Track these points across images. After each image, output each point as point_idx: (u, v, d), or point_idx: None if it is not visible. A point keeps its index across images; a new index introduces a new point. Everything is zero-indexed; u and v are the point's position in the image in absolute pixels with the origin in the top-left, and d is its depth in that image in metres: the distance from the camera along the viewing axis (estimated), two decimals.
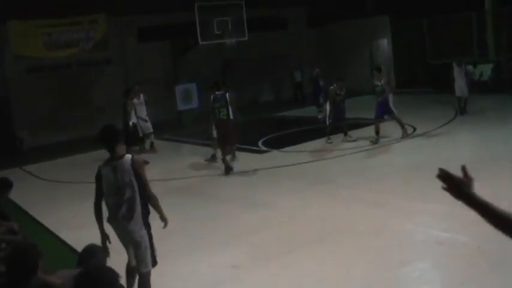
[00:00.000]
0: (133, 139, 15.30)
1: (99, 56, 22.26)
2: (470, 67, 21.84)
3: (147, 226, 6.15)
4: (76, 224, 9.98)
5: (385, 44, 27.11)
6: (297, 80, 26.06)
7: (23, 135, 20.36)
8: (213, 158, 14.33)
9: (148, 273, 6.16)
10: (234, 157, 14.24)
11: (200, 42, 20.59)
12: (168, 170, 14.63)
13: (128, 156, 6.02)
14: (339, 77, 16.33)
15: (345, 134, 15.63)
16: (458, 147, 13.52)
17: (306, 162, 13.40)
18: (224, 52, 23.60)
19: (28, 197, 12.57)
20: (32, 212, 11.40)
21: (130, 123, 15.42)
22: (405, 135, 14.87)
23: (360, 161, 13.17)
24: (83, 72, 22.30)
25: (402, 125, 14.92)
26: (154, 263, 6.23)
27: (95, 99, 22.48)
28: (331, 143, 15.20)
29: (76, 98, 21.94)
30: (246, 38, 21.45)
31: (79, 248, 8.38)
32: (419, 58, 25.78)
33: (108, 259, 5.19)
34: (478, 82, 20.17)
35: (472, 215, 8.39)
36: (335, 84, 15.62)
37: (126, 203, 5.98)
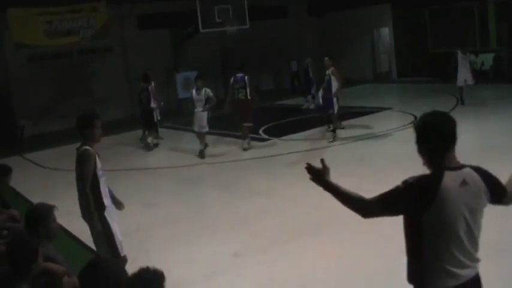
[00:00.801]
0: (152, 125, 15.78)
1: (100, 44, 22.21)
2: (472, 56, 21.81)
3: (102, 219, 5.96)
4: (76, 211, 9.96)
5: (386, 32, 27.05)
6: (293, 70, 25.98)
7: (24, 123, 20.37)
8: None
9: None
10: (249, 144, 14.20)
11: (201, 30, 20.53)
12: (169, 157, 14.67)
13: (83, 148, 5.84)
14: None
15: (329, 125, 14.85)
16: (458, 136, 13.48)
17: (306, 151, 13.41)
18: (225, 40, 23.56)
19: (29, 184, 12.58)
20: (32, 199, 11.39)
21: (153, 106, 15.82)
22: (335, 138, 14.04)
23: (361, 150, 13.17)
24: (83, 60, 22.26)
25: (335, 127, 14.30)
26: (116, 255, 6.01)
27: (95, 87, 22.46)
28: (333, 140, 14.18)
29: (76, 86, 21.90)
30: (247, 26, 21.39)
31: (79, 235, 8.47)
32: (421, 47, 25.71)
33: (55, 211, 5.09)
34: (479, 72, 20.12)
35: None
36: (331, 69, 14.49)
37: (79, 193, 5.99)
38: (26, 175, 13.79)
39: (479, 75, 19.49)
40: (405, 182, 3.38)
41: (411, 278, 3.53)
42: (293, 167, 12.23)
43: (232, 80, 14.58)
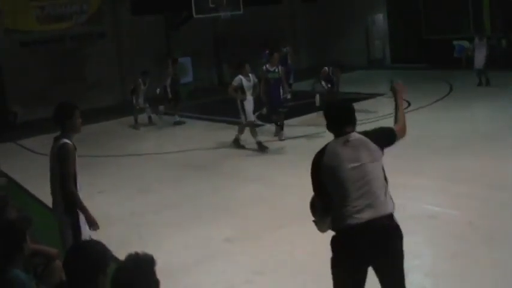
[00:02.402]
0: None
1: (93, 29, 22.11)
2: (465, 43, 21.84)
3: (70, 216, 5.65)
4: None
5: (380, 19, 26.99)
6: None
7: (17, 109, 20.28)
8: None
9: None
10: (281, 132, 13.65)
11: (194, 15, 20.46)
12: (164, 143, 14.67)
13: (62, 141, 5.65)
14: (272, 50, 14.49)
15: (279, 128, 13.64)
16: (450, 122, 13.52)
17: (299, 137, 13.42)
18: (218, 26, 23.49)
19: (22, 170, 12.56)
20: (26, 186, 11.40)
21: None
22: (281, 138, 13.40)
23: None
24: (76, 45, 22.14)
25: (281, 127, 13.57)
26: None
27: (88, 72, 22.34)
28: (283, 139, 13.43)
29: (69, 72, 21.77)
30: (241, 12, 21.33)
31: None
32: (415, 34, 25.69)
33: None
34: (472, 58, 20.08)
35: (464, 190, 8.52)
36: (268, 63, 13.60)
37: (56, 191, 5.73)
38: (19, 161, 13.79)
39: (473, 62, 19.49)
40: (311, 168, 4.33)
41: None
42: (286, 153, 12.27)
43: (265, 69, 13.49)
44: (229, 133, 14.37)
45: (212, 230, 8.06)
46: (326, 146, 4.26)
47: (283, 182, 10.05)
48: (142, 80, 16.86)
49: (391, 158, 10.79)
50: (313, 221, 4.40)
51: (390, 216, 4.18)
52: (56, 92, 20.90)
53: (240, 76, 12.77)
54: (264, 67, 13.38)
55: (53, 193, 5.77)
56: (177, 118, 16.89)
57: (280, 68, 13.48)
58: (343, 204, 4.09)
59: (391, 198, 4.28)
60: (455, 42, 23.10)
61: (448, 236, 7.11)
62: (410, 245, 6.98)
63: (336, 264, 4.20)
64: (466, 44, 21.85)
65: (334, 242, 4.18)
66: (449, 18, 24.35)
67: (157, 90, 17.19)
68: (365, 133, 4.31)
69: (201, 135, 15.03)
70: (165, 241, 7.60)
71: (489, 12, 23.78)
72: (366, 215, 4.04)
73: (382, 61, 26.61)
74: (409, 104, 15.66)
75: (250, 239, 7.59)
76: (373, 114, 14.81)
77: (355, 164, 4.11)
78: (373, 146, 4.22)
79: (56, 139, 5.69)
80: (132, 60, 21.93)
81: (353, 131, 4.28)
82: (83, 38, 22.12)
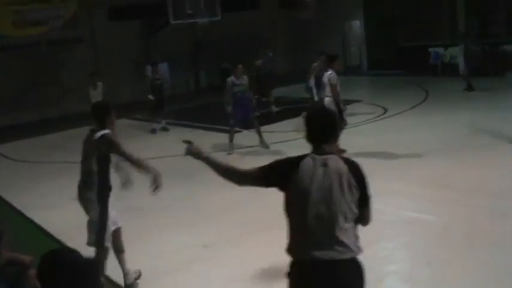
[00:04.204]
0: None
1: (69, 34, 21.95)
2: (440, 49, 22.07)
3: (103, 202, 6.17)
4: (45, 204, 9.89)
5: (357, 25, 27.15)
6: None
7: None
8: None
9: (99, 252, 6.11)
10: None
11: (172, 21, 20.42)
12: (141, 149, 14.54)
13: (108, 132, 6.16)
14: (236, 62, 13.49)
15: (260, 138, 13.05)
16: (427, 128, 13.61)
17: (277, 142, 13.42)
18: (196, 32, 23.46)
19: None
20: (0, 193, 11.26)
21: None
22: (264, 146, 12.92)
23: None
24: (53, 51, 21.97)
25: (260, 135, 13.07)
26: (99, 243, 6.10)
27: (64, 78, 22.18)
28: (231, 154, 12.97)
29: (46, 77, 21.61)
30: (219, 18, 21.33)
31: (48, 228, 8.39)
32: (391, 40, 25.89)
33: None
34: (448, 65, 20.31)
35: (442, 196, 8.56)
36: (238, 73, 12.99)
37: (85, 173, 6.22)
38: None
39: (449, 69, 19.71)
40: (281, 159, 3.96)
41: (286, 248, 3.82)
42: (263, 159, 12.20)
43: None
44: (206, 139, 14.32)
45: (189, 236, 8.02)
46: (303, 158, 3.76)
47: (260, 188, 10.00)
48: (92, 83, 16.11)
49: (369, 164, 10.85)
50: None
51: (351, 260, 3.70)
52: (33, 97, 20.77)
53: (232, 77, 12.82)
54: (230, 79, 12.90)
55: (86, 179, 6.20)
56: (162, 124, 16.66)
57: (246, 78, 13.17)
58: (301, 232, 3.69)
59: (356, 241, 3.80)
60: (431, 49, 23.30)
61: (426, 242, 7.14)
62: (388, 251, 7.04)
63: None
64: (441, 50, 22.08)
65: (289, 273, 3.79)
66: (425, 26, 24.56)
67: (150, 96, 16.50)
68: (350, 163, 3.81)
69: (178, 141, 14.94)
70: (142, 248, 7.54)
71: (464, 19, 24.04)
72: (322, 253, 3.60)
73: (359, 68, 26.75)
74: (386, 110, 15.79)
75: (228, 245, 7.56)
76: (350, 120, 14.85)
77: (327, 193, 3.63)
78: (351, 180, 3.70)
79: (94, 131, 6.20)
80: (109, 66, 21.80)
81: (332, 151, 3.81)
82: (59, 43, 21.96)
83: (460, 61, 18.75)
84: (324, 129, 3.84)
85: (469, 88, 18.15)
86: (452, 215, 7.87)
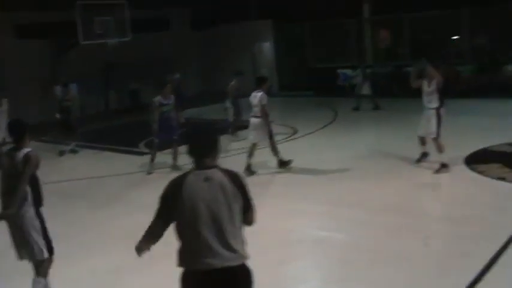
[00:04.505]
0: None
1: None
2: (348, 71, 22.69)
3: (40, 216, 6.44)
4: None
5: (267, 47, 27.50)
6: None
7: None
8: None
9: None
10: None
11: (81, 41, 20.09)
12: (48, 173, 14.13)
13: (29, 149, 6.24)
14: (163, 82, 13.53)
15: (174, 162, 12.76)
16: (335, 148, 13.89)
17: (185, 164, 13.34)
18: (106, 53, 23.13)
19: None
20: None
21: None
22: (175, 168, 12.36)
23: (241, 164, 13.32)
24: None
25: (176, 158, 12.77)
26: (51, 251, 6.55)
27: None
28: (151, 173, 12.73)
29: None
30: (129, 39, 21.15)
31: None
32: (301, 62, 26.41)
33: None
34: (356, 86, 20.80)
35: (349, 214, 8.74)
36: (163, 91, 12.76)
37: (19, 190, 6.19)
38: None
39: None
40: (164, 190, 4.15)
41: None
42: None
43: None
44: (115, 161, 14.14)
45: (99, 260, 7.83)
46: (185, 177, 4.03)
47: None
48: None
49: (277, 184, 10.94)
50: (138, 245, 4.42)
51: (240, 266, 4.03)
52: None
53: (159, 97, 12.57)
54: (157, 99, 12.64)
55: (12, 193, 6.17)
56: (71, 146, 16.10)
57: (173, 98, 13.01)
58: (194, 245, 3.97)
59: (243, 247, 4.12)
60: (339, 71, 23.87)
61: (334, 260, 7.25)
62: (297, 270, 7.11)
63: None
64: (349, 72, 22.69)
65: (182, 282, 4.08)
66: (333, 47, 25.25)
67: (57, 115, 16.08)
68: (229, 174, 4.08)
69: (87, 164, 14.68)
70: (50, 273, 7.29)
71: (371, 41, 24.86)
72: (213, 262, 3.90)
73: (269, 89, 26.97)
74: (297, 131, 16.04)
75: (139, 268, 7.42)
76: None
77: (212, 205, 3.94)
78: (234, 189, 4.01)
79: (16, 150, 6.23)
80: (15, 85, 21.13)
81: (213, 165, 4.10)
82: None
83: (358, 82, 19.88)
84: (204, 145, 4.14)
85: (376, 107, 18.98)
86: (359, 233, 8.05)
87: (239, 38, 27.20)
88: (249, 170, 11.72)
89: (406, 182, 10.53)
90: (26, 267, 6.50)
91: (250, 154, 11.99)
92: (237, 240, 4.00)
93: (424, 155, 11.43)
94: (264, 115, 11.60)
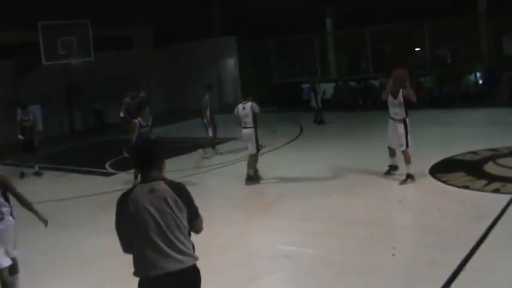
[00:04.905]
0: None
1: None
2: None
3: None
4: None
5: (231, 63, 27.57)
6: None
7: None
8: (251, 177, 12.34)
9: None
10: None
11: (44, 62, 19.93)
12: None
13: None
14: (142, 103, 13.64)
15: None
16: (302, 162, 13.95)
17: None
18: (70, 72, 22.98)
19: None
20: None
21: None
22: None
23: (209, 180, 13.31)
24: None
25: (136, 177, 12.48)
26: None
27: None
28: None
29: None
30: (92, 58, 21.06)
31: None
32: (265, 77, 26.54)
33: None
34: (321, 100, 20.99)
35: (317, 228, 8.75)
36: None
37: None
38: None
39: (322, 103, 20.45)
40: (116, 210, 4.30)
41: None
42: None
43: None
44: (80, 182, 13.99)
45: (68, 284, 7.74)
46: (131, 191, 4.24)
47: None
48: None
49: (247, 200, 10.93)
50: None
51: (191, 268, 4.24)
52: None
53: (139, 119, 12.49)
54: (137, 121, 12.53)
55: None
56: (35, 169, 15.87)
57: (151, 119, 12.91)
58: (143, 254, 4.16)
59: (191, 250, 4.31)
60: (304, 85, 24.03)
61: (303, 275, 7.26)
62: (268, 286, 7.11)
63: None
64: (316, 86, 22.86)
65: None
66: (297, 62, 25.46)
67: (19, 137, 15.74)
68: (172, 185, 4.28)
69: (51, 186, 14.50)
70: None
71: (334, 56, 25.14)
72: (165, 267, 4.11)
73: (234, 105, 27.02)
74: (263, 147, 16.06)
75: None
76: (227, 157, 15.06)
77: (158, 215, 4.13)
78: (177, 199, 4.20)
79: None
80: None
81: (158, 177, 4.28)
82: None
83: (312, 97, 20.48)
84: (146, 158, 4.32)
85: (320, 121, 19.84)
86: (328, 247, 8.08)
87: (203, 55, 27.25)
88: (257, 176, 12.15)
89: (373, 194, 10.60)
90: None
91: (252, 165, 12.16)
92: (186, 244, 4.22)
93: (393, 168, 11.53)
94: (262, 121, 12.17)
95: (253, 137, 12.05)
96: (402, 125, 10.89)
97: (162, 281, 4.10)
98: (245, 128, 12.13)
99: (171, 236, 4.13)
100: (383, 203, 10.21)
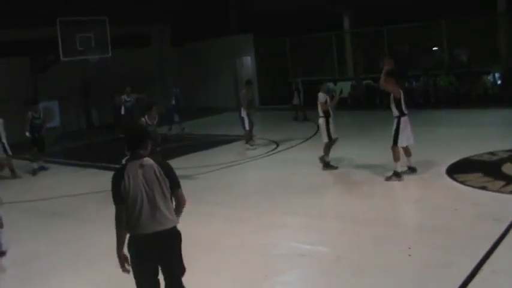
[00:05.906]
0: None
1: None
2: (331, 84, 22.78)
3: None
4: None
5: (248, 61, 27.56)
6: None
7: None
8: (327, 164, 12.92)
9: None
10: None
11: (62, 58, 20.02)
12: (30, 190, 14.02)
13: None
14: (149, 104, 13.23)
15: None
16: (317, 161, 13.90)
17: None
18: (87, 69, 23.08)
19: None
20: None
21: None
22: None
23: (224, 177, 13.28)
24: None
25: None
26: None
27: None
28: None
29: None
30: (109, 55, 21.11)
31: None
32: (282, 76, 26.51)
33: None
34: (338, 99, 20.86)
35: (332, 226, 8.73)
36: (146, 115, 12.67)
37: None
38: None
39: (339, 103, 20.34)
40: (112, 181, 5.14)
41: None
42: None
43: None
44: (96, 178, 14.04)
45: (80, 279, 7.76)
46: (125, 167, 5.10)
47: None
48: None
49: (259, 199, 10.89)
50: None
51: (172, 228, 5.16)
52: None
53: (146, 117, 12.48)
54: (143, 120, 12.51)
55: None
56: (35, 166, 15.85)
57: (157, 119, 12.93)
58: (136, 216, 5.03)
59: (174, 215, 5.19)
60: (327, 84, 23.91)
61: (318, 273, 7.23)
62: (283, 285, 7.09)
63: (132, 262, 5.14)
64: (331, 85, 22.77)
65: (129, 244, 5.13)
66: (314, 61, 25.38)
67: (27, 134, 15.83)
68: (158, 162, 5.20)
69: (68, 181, 14.56)
70: None
71: (351, 54, 25.03)
72: (152, 227, 5.04)
73: (251, 103, 27.06)
74: (278, 145, 16.05)
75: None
76: (242, 156, 15.07)
77: (147, 185, 5.05)
78: (162, 172, 5.12)
79: None
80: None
81: (146, 154, 5.17)
82: None
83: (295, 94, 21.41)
84: (135, 138, 5.22)
85: (304, 118, 20.60)
86: (342, 245, 8.05)
87: (221, 53, 27.26)
88: (327, 166, 12.79)
89: (390, 194, 10.56)
90: None
91: (327, 152, 12.91)
92: (169, 210, 5.15)
93: (411, 170, 11.47)
94: (327, 110, 12.84)
95: (323, 126, 12.77)
96: (395, 123, 11.15)
97: (149, 238, 5.02)
98: (320, 117, 12.87)
99: (158, 202, 5.05)
100: (400, 203, 10.17)
